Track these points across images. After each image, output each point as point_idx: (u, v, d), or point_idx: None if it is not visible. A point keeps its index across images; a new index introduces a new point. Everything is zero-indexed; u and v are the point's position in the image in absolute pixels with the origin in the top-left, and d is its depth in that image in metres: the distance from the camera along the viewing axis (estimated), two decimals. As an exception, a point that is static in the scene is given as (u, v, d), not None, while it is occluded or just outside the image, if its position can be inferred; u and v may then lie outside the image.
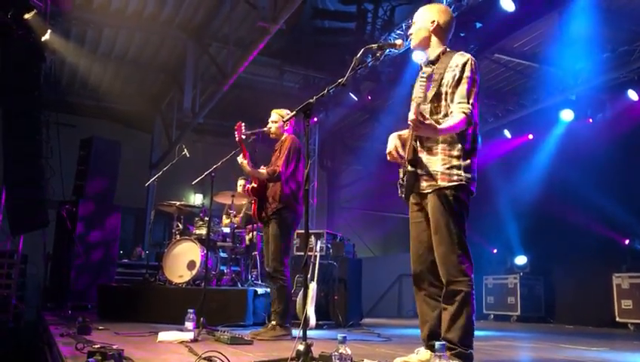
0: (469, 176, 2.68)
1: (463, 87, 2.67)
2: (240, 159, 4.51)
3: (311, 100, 2.81)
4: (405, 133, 2.84)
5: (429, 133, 2.61)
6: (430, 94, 2.73)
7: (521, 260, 9.54)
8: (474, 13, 7.13)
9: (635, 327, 7.26)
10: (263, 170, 4.58)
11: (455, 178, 2.65)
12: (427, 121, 2.49)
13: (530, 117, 9.59)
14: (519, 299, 9.07)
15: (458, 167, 2.66)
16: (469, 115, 2.61)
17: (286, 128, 4.73)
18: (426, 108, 2.73)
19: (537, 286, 9.32)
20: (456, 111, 2.64)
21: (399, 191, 2.81)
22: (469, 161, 2.69)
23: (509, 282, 9.33)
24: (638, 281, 7.36)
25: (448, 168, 2.66)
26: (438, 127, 2.54)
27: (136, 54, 10.03)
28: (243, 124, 4.46)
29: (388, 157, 2.83)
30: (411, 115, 2.45)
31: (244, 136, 4.45)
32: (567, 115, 8.98)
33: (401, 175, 2.79)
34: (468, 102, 2.64)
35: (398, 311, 10.91)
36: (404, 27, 7.34)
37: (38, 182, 6.50)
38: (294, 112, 3.00)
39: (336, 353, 2.23)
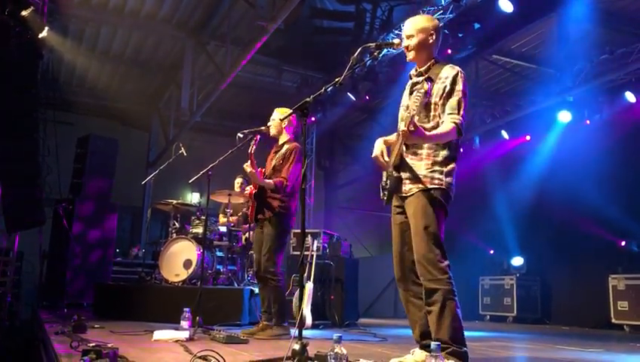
0: (449, 181, 2.78)
1: (454, 99, 2.75)
2: (249, 168, 4.44)
3: (308, 99, 2.81)
4: (391, 138, 2.91)
5: (419, 142, 2.71)
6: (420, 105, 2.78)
7: (517, 261, 9.54)
8: (472, 14, 7.13)
9: (631, 328, 7.27)
10: (270, 180, 4.47)
11: (436, 181, 2.75)
12: (417, 131, 2.54)
13: (528, 118, 9.58)
14: (515, 299, 9.08)
15: (440, 172, 2.76)
16: (460, 125, 2.71)
17: (284, 126, 4.63)
18: (416, 118, 2.78)
19: (534, 287, 9.33)
20: (447, 121, 2.73)
21: (381, 194, 2.87)
22: (451, 167, 2.80)
23: (506, 283, 9.35)
24: (634, 282, 7.38)
25: (431, 172, 2.76)
26: (428, 134, 2.63)
27: (134, 52, 10.02)
28: (259, 136, 4.48)
29: (376, 162, 2.88)
30: (402, 126, 2.54)
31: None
32: (564, 117, 8.98)
33: (384, 178, 2.85)
34: (458, 114, 2.73)
35: (395, 311, 10.90)
36: (402, 27, 7.32)
37: (35, 180, 6.47)
38: (291, 111, 3.00)
39: (331, 352, 2.24)
